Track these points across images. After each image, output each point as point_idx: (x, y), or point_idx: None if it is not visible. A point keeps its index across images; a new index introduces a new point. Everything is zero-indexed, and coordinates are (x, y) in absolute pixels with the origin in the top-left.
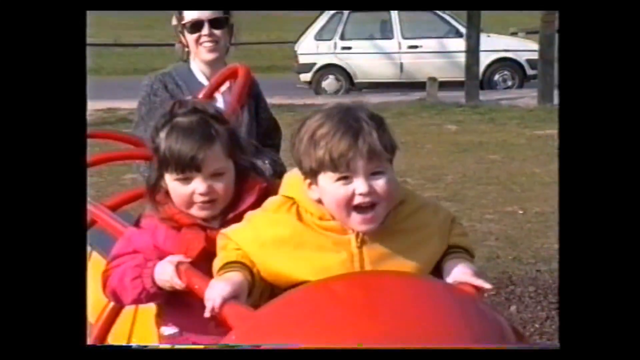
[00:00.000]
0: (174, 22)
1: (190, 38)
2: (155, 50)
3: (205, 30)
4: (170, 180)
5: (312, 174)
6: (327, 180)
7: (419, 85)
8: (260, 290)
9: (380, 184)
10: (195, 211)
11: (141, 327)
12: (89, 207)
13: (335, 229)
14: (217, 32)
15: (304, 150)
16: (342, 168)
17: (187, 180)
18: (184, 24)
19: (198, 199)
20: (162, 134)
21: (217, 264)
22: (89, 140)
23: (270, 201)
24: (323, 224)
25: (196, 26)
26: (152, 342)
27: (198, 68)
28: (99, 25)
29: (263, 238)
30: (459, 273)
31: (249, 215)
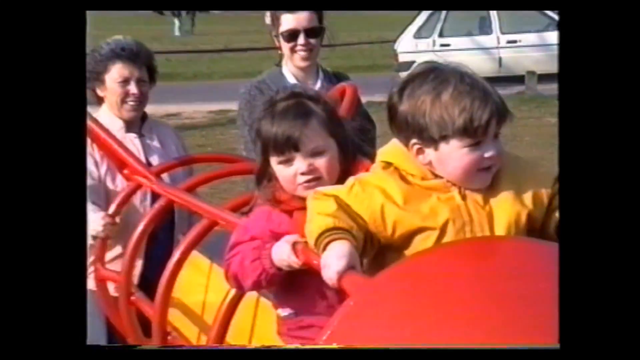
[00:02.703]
0: (268, 21)
1: (286, 45)
2: (263, 53)
3: (301, 39)
4: (275, 165)
5: (433, 141)
6: (453, 146)
7: (517, 79)
8: (361, 249)
9: (499, 146)
10: (302, 191)
11: (262, 322)
12: (205, 206)
13: (438, 187)
14: (312, 40)
15: (429, 119)
16: (479, 135)
17: (288, 162)
18: (281, 32)
19: (301, 179)
20: (263, 121)
21: (312, 229)
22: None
23: (372, 167)
24: (426, 184)
25: (293, 35)
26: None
27: (290, 72)
28: (211, 34)
29: (371, 186)
30: None
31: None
